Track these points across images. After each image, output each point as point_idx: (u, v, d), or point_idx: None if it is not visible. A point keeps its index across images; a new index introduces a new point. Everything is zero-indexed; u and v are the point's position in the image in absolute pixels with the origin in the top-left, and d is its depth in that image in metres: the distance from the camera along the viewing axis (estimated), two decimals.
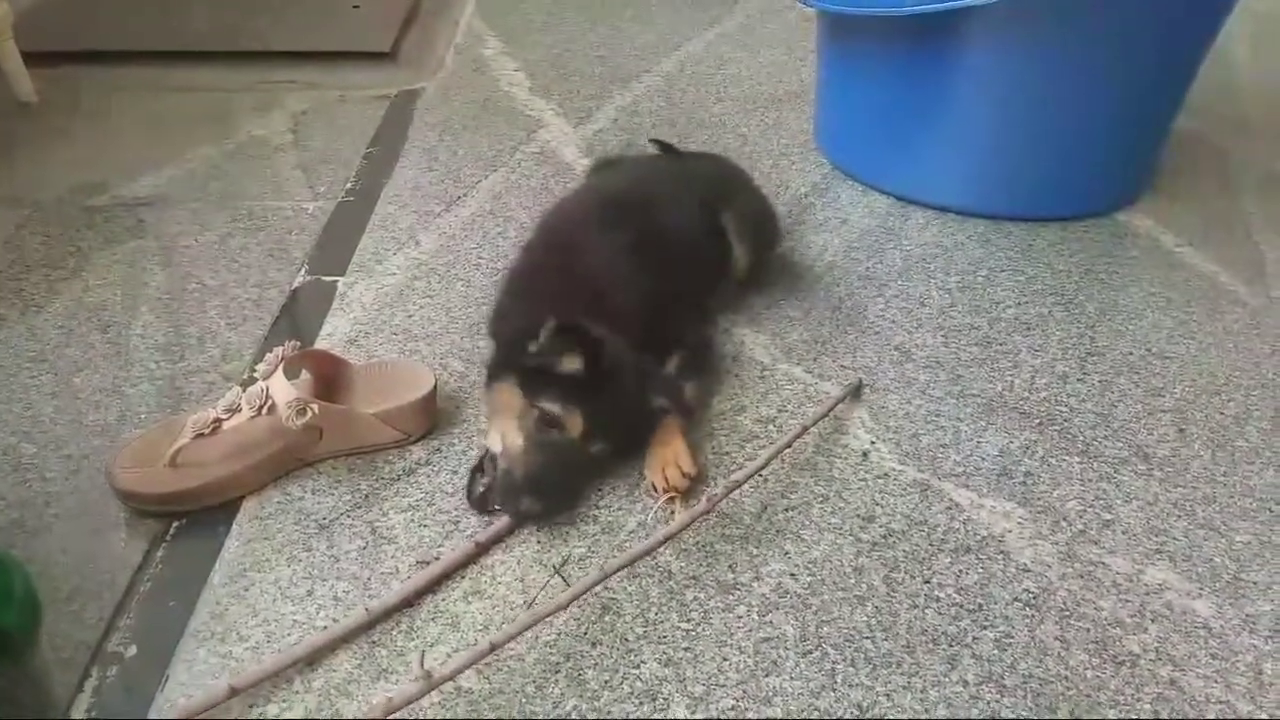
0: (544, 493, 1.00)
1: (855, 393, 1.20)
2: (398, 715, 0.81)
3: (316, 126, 1.82)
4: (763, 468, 1.06)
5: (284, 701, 0.85)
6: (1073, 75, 1.44)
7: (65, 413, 1.16)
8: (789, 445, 1.09)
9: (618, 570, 0.93)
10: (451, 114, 1.86)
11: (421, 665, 0.81)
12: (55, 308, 1.34)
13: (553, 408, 1.02)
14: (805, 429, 1.11)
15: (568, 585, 0.90)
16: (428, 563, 0.97)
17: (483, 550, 0.99)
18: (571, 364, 1.01)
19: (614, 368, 1.04)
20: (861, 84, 1.64)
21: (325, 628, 0.90)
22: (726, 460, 1.10)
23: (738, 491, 1.05)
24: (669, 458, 1.05)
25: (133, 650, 0.90)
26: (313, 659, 0.88)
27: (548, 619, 0.89)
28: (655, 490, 1.04)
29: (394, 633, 0.91)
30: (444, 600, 0.94)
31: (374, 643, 0.90)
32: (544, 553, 0.99)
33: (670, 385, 1.11)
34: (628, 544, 0.99)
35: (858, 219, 1.57)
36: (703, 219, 1.31)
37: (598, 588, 0.94)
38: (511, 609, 0.93)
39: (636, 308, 1.14)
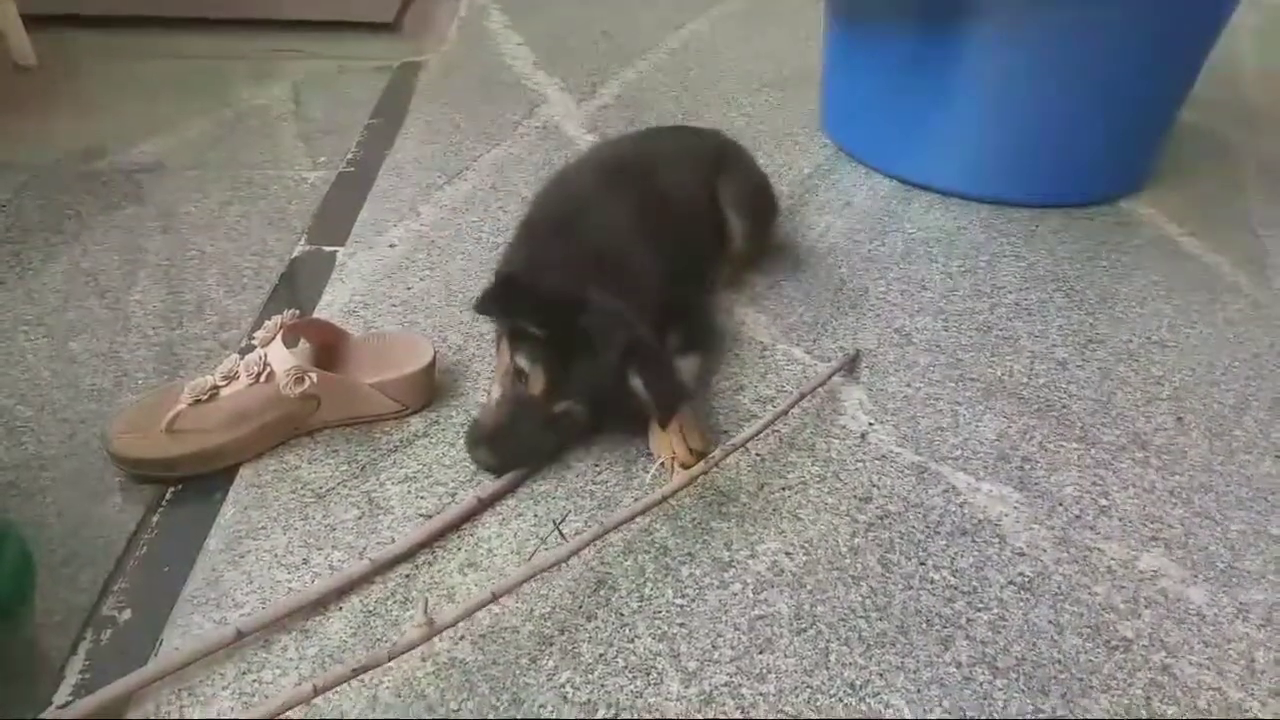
0: (500, 446, 1.02)
1: (854, 362, 1.21)
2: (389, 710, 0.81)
3: (317, 96, 1.81)
4: (763, 430, 1.07)
5: (278, 668, 0.84)
6: (1078, 62, 1.44)
7: (62, 377, 1.16)
8: (793, 407, 1.11)
9: (618, 525, 0.94)
10: (454, 87, 1.85)
11: (425, 613, 0.81)
12: (53, 272, 1.33)
13: (521, 362, 1.02)
14: (804, 395, 1.12)
15: (566, 540, 0.90)
16: (430, 516, 0.98)
17: (485, 506, 1.00)
18: (531, 321, 1.01)
19: (588, 330, 1.01)
20: (867, 66, 1.63)
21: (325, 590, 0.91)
22: (724, 439, 1.10)
23: (735, 470, 1.05)
24: (679, 442, 1.04)
25: (127, 614, 0.90)
26: (319, 604, 0.89)
27: (546, 580, 0.91)
28: (664, 467, 1.04)
29: (389, 602, 0.91)
30: (440, 572, 0.94)
31: (369, 612, 0.90)
32: (539, 526, 0.99)
33: (661, 374, 1.04)
34: None
35: (861, 201, 1.56)
36: (700, 191, 1.31)
37: (594, 560, 0.95)
38: (507, 580, 0.93)
39: (642, 275, 1.13)
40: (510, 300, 1.02)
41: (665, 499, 0.98)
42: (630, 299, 1.06)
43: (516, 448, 1.03)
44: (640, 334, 1.04)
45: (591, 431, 1.09)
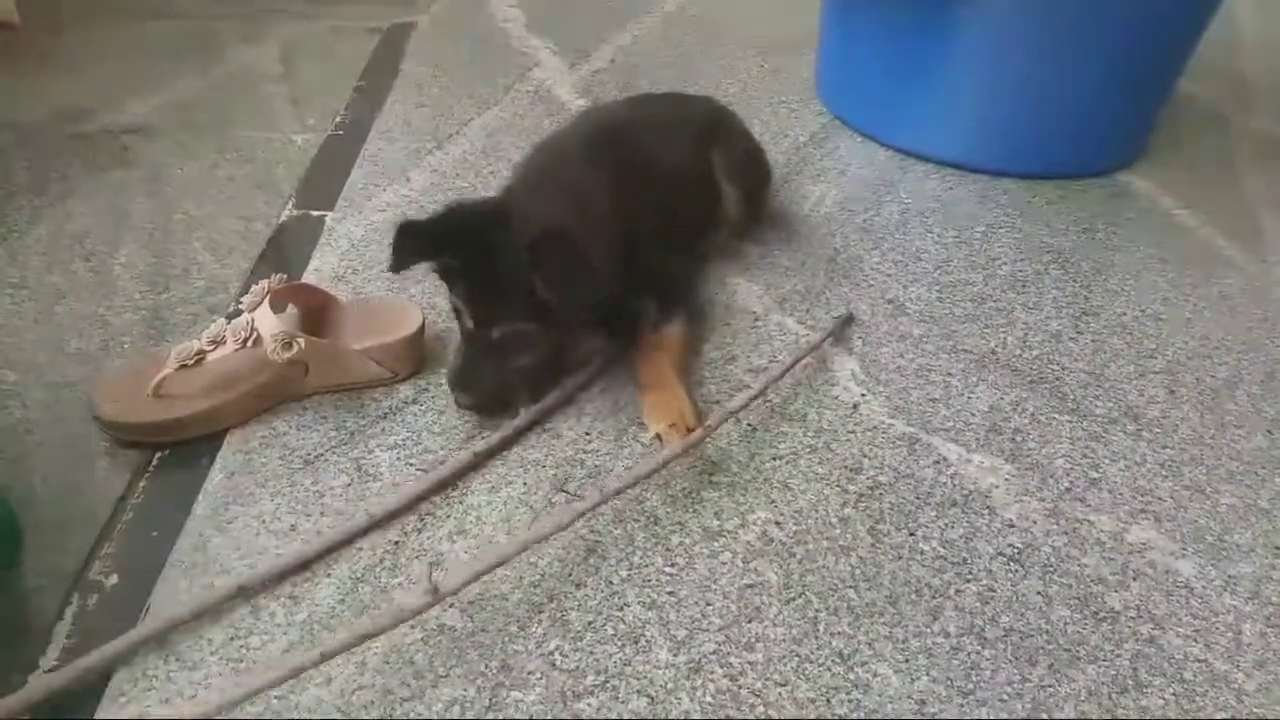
0: (466, 386, 1.05)
1: (846, 324, 1.21)
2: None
3: (306, 57, 1.78)
4: (757, 396, 1.06)
5: (266, 634, 0.84)
6: (1076, 33, 1.42)
7: (47, 340, 1.14)
8: (786, 373, 1.11)
9: (620, 491, 0.94)
10: (445, 49, 1.82)
11: (430, 579, 0.81)
12: (38, 234, 1.31)
13: (455, 301, 1.04)
14: (797, 360, 1.12)
15: (573, 498, 0.91)
16: (427, 470, 0.99)
17: (480, 461, 1.01)
18: (439, 254, 1.02)
19: (491, 240, 1.00)
20: (864, 34, 1.61)
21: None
22: (716, 409, 1.10)
23: (726, 440, 1.05)
24: (672, 414, 1.04)
25: (114, 579, 0.89)
26: (322, 556, 0.91)
27: (535, 548, 0.91)
28: (659, 441, 1.03)
29: (377, 569, 0.90)
30: (429, 539, 0.93)
31: (358, 578, 0.89)
32: (529, 495, 0.98)
33: (561, 264, 0.97)
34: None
35: (856, 170, 1.55)
36: (690, 158, 1.29)
37: (584, 529, 0.94)
38: (511, 545, 0.93)
39: (613, 240, 1.08)
40: (409, 240, 0.99)
41: (664, 465, 0.97)
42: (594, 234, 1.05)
43: (484, 385, 1.05)
44: (555, 227, 0.99)
45: (584, 381, 1.10)
